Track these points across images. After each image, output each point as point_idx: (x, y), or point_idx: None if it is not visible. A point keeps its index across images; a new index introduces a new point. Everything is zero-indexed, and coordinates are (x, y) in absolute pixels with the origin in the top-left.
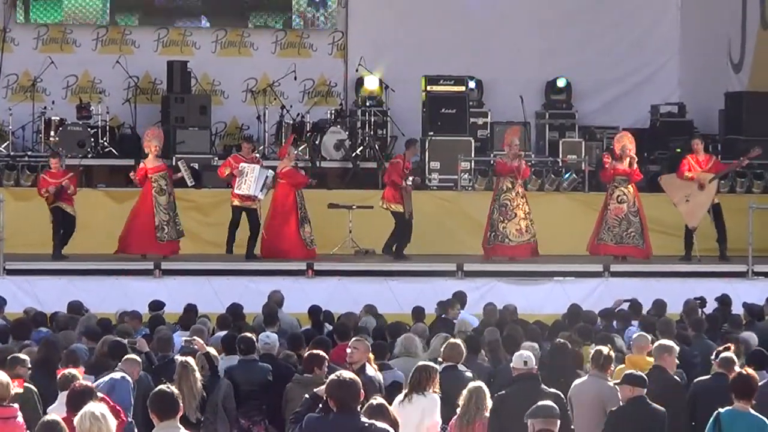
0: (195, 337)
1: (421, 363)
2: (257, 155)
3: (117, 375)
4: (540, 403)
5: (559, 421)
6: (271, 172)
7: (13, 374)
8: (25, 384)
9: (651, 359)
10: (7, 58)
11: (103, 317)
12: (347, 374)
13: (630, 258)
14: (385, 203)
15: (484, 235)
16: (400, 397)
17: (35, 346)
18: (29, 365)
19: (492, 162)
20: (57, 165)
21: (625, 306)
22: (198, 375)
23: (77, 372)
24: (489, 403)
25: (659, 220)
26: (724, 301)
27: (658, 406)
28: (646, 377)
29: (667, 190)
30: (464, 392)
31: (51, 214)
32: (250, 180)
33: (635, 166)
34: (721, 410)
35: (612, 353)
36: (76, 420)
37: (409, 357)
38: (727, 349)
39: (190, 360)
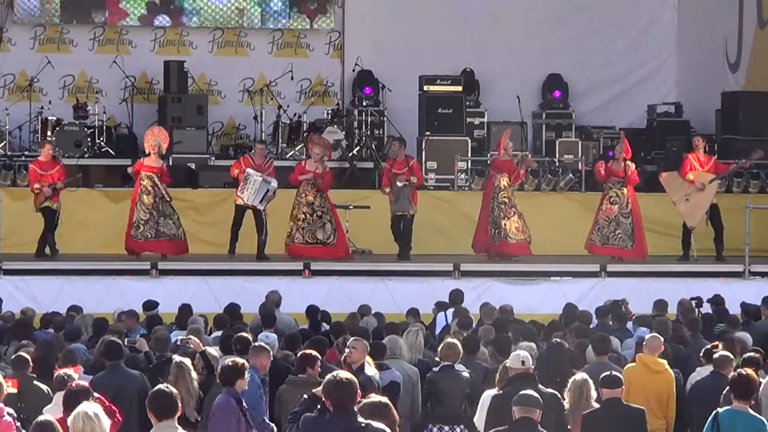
0: (191, 337)
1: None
2: (270, 159)
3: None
4: (523, 392)
5: (539, 411)
6: (274, 185)
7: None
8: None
9: (662, 361)
10: (3, 58)
11: (99, 317)
12: (343, 374)
13: (628, 258)
14: None
15: (483, 233)
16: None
17: (32, 347)
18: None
19: (489, 162)
20: (48, 154)
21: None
22: (194, 375)
23: (73, 372)
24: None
25: (657, 220)
26: (716, 301)
27: (635, 406)
28: (622, 378)
29: (667, 188)
30: (569, 384)
31: (40, 212)
32: (251, 191)
33: (630, 171)
34: (719, 410)
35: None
36: (69, 420)
37: (393, 358)
38: (715, 347)
39: (186, 360)
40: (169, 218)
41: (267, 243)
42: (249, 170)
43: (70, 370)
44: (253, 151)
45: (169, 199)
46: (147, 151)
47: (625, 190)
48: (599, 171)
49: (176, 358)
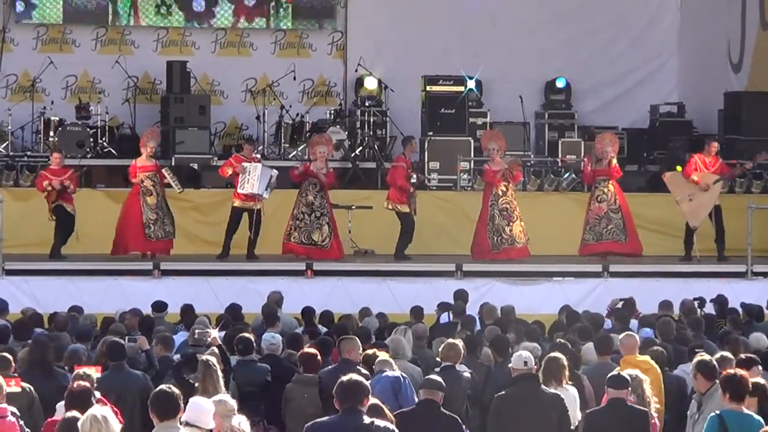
0: (208, 330)
1: (551, 354)
2: (258, 156)
3: (395, 373)
4: (428, 376)
5: (442, 393)
6: (275, 172)
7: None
8: (23, 384)
9: (644, 357)
10: (6, 58)
11: (107, 317)
12: (354, 375)
13: (628, 257)
14: (390, 204)
15: (483, 240)
16: None
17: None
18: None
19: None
20: (58, 161)
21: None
22: (220, 373)
23: (90, 371)
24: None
25: (659, 220)
26: (720, 301)
27: (639, 407)
28: (629, 379)
29: (671, 187)
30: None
31: (52, 213)
32: (254, 179)
33: (614, 164)
34: (720, 411)
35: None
36: (79, 422)
37: (396, 359)
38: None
39: (212, 359)
40: (168, 216)
41: (267, 243)
42: (244, 164)
43: (89, 369)
44: (242, 150)
45: (165, 201)
46: (142, 151)
47: (610, 185)
48: (587, 174)
49: (201, 356)
